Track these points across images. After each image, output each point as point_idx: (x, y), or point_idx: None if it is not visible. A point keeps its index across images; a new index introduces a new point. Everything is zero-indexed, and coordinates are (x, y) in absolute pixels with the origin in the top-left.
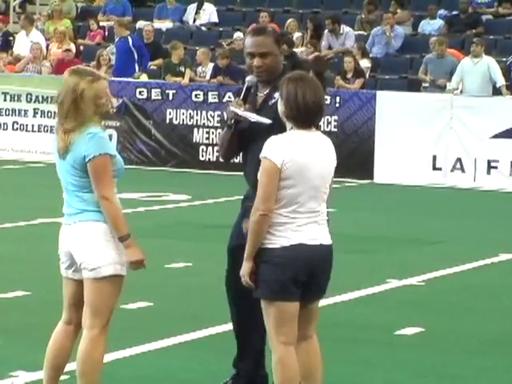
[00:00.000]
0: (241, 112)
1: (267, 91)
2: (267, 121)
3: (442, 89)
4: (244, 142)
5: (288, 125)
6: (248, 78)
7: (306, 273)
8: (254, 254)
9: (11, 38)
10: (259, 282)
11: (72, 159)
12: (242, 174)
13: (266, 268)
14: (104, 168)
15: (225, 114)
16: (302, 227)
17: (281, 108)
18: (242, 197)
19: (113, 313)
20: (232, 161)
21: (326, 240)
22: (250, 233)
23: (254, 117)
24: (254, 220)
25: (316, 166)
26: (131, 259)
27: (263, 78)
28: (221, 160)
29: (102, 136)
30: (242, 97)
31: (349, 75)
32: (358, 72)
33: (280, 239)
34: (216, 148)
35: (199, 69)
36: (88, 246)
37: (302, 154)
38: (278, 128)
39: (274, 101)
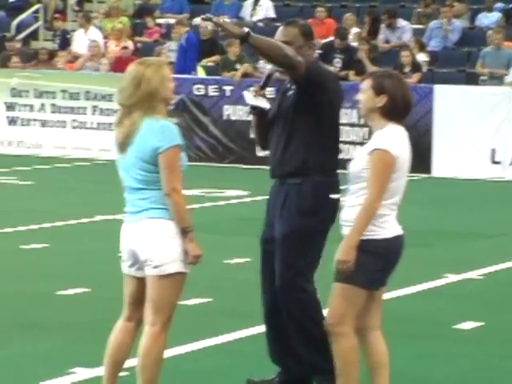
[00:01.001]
0: (246, 94)
1: (290, 81)
2: (266, 106)
3: (500, 81)
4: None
5: (376, 119)
6: (268, 66)
7: (396, 263)
8: (357, 243)
9: (69, 37)
10: (356, 269)
11: (140, 151)
12: None
13: (369, 257)
14: (175, 160)
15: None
16: (395, 219)
17: (372, 100)
18: (335, 196)
19: (175, 309)
20: None
21: (402, 230)
22: (362, 221)
23: (252, 101)
24: (370, 211)
25: (408, 160)
26: (193, 253)
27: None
28: None
29: (174, 127)
30: (261, 83)
31: (406, 69)
32: (416, 66)
33: (385, 231)
34: None
35: (261, 64)
36: (153, 243)
37: (404, 147)
38: (288, 116)
39: (291, 92)
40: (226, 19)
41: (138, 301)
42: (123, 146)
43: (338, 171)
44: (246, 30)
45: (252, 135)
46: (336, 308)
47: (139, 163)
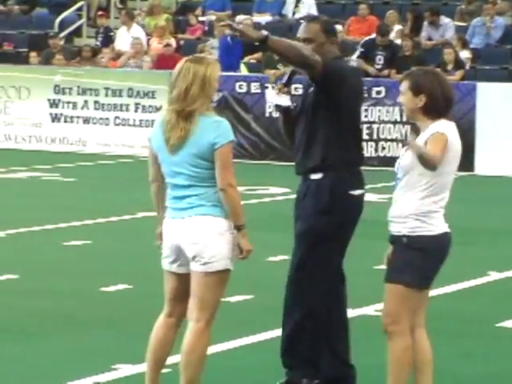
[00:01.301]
0: (268, 92)
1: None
2: (286, 103)
3: None
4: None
5: (420, 119)
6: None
7: (443, 260)
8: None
9: (112, 34)
10: (405, 268)
11: (196, 148)
12: None
13: (418, 255)
14: (230, 155)
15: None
16: (442, 216)
17: (412, 101)
18: (356, 192)
19: (219, 306)
20: None
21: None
22: (428, 152)
23: (273, 99)
24: (432, 159)
25: (458, 157)
26: (246, 247)
27: None
28: None
29: (227, 123)
30: (284, 81)
31: (449, 67)
32: (459, 63)
33: (431, 227)
34: None
35: None
36: (203, 239)
37: (457, 140)
38: (313, 113)
39: (312, 88)
40: (247, 21)
41: (179, 297)
42: (178, 147)
43: (363, 168)
44: (265, 33)
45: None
46: (389, 307)
47: (194, 160)
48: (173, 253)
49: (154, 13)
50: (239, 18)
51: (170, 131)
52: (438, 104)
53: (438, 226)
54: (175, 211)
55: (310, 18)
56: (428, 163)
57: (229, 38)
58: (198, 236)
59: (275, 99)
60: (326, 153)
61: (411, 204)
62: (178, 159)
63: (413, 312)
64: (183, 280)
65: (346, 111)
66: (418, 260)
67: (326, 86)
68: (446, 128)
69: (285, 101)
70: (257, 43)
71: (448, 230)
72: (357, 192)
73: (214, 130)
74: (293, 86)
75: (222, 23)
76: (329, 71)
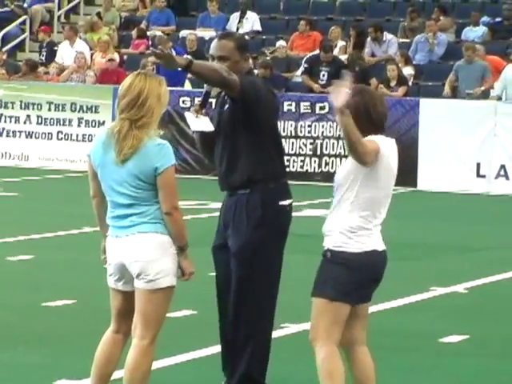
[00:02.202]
0: (188, 117)
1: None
2: (209, 129)
3: (478, 96)
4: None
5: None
6: (205, 85)
7: (372, 277)
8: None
9: (56, 48)
10: (328, 281)
11: (137, 169)
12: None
13: (341, 270)
14: (173, 179)
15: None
16: (374, 233)
17: (345, 121)
18: (283, 202)
19: (163, 323)
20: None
21: (384, 246)
22: (355, 133)
23: (196, 126)
24: (358, 147)
25: (392, 173)
26: (189, 270)
27: None
28: None
29: (170, 146)
30: (200, 102)
31: (392, 83)
32: (402, 79)
33: (357, 244)
34: None
35: None
36: (147, 256)
37: (391, 159)
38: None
39: (227, 105)
40: (171, 49)
41: (125, 314)
42: (125, 160)
43: (306, 183)
44: (189, 58)
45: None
46: (312, 321)
47: (135, 181)
48: (117, 271)
49: (95, 28)
50: (157, 34)
51: (123, 140)
52: (367, 123)
53: (365, 243)
54: (117, 229)
55: (222, 35)
56: (354, 145)
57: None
58: (141, 253)
59: (198, 125)
60: (251, 168)
61: (338, 218)
62: (119, 178)
63: (347, 329)
64: (129, 297)
65: (265, 126)
66: (340, 275)
67: (244, 104)
68: (380, 140)
69: (207, 125)
70: (180, 69)
71: (379, 249)
72: (286, 202)
73: (157, 153)
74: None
75: (149, 51)
76: (246, 90)
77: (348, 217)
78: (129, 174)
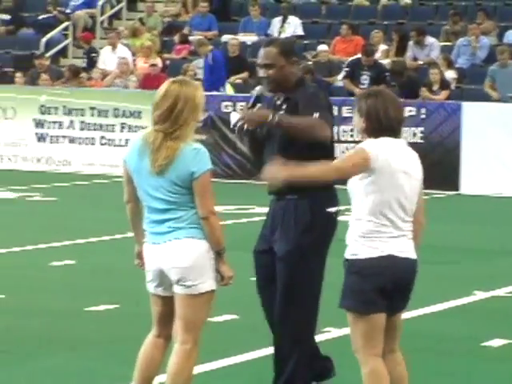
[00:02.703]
0: (233, 116)
1: (282, 100)
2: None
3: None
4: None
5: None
6: (256, 88)
7: (393, 285)
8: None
9: (94, 55)
10: (347, 293)
11: (174, 175)
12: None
13: (354, 279)
14: (210, 183)
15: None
16: (391, 239)
17: (359, 123)
18: (333, 209)
19: (203, 327)
20: None
21: (413, 254)
22: (315, 172)
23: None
24: (326, 174)
25: (406, 174)
26: (228, 274)
27: (270, 88)
28: None
29: (206, 150)
30: (250, 105)
31: (435, 87)
32: (444, 83)
33: (370, 250)
34: None
35: None
36: (186, 262)
37: (395, 159)
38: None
39: (281, 112)
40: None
41: (167, 318)
42: (163, 170)
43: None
44: (273, 116)
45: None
46: (350, 335)
47: (172, 186)
48: (157, 277)
49: (137, 34)
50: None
51: (157, 152)
52: (378, 126)
53: (378, 248)
54: (155, 236)
55: (266, 43)
56: (322, 178)
57: (209, 59)
58: (180, 260)
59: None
60: None
61: (352, 227)
62: (156, 183)
63: (378, 337)
64: (169, 302)
65: None
66: (355, 284)
67: None
68: (375, 144)
69: (234, 115)
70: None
71: (399, 254)
72: (333, 209)
73: (193, 158)
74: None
75: (233, 125)
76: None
77: (357, 224)
78: (165, 180)
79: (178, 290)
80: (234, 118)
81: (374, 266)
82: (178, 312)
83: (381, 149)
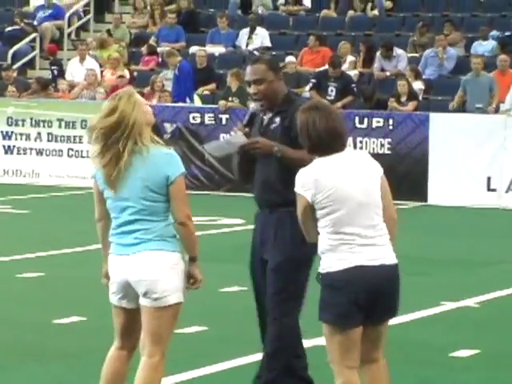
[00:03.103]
0: (235, 139)
1: (270, 115)
2: (240, 142)
3: (485, 110)
4: (255, 163)
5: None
6: (252, 105)
7: (367, 295)
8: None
9: (55, 67)
10: (322, 307)
11: (149, 180)
12: None
13: (326, 292)
14: (184, 188)
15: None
16: (359, 248)
17: (299, 139)
18: None
19: (170, 338)
20: None
21: (389, 260)
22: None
23: (225, 140)
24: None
25: (351, 184)
26: (199, 277)
27: (263, 103)
28: None
29: (177, 155)
30: (245, 122)
31: (403, 98)
32: (412, 94)
33: (338, 262)
34: None
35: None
36: (154, 275)
37: (331, 179)
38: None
39: (274, 125)
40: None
41: (130, 331)
42: (116, 181)
43: None
44: (277, 149)
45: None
46: (326, 346)
47: (145, 193)
48: (121, 289)
49: (105, 45)
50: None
51: (107, 166)
52: (307, 143)
53: (347, 259)
54: (121, 247)
55: (253, 60)
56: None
57: (176, 71)
58: (148, 272)
59: (230, 142)
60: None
61: (319, 242)
62: (128, 193)
63: (353, 350)
64: (133, 314)
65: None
66: (327, 297)
67: None
68: (309, 177)
69: (239, 139)
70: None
71: (364, 264)
72: None
73: (167, 162)
74: None
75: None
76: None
77: (322, 239)
78: (139, 187)
79: (144, 302)
80: (237, 139)
81: (344, 278)
82: (145, 325)
83: (312, 182)
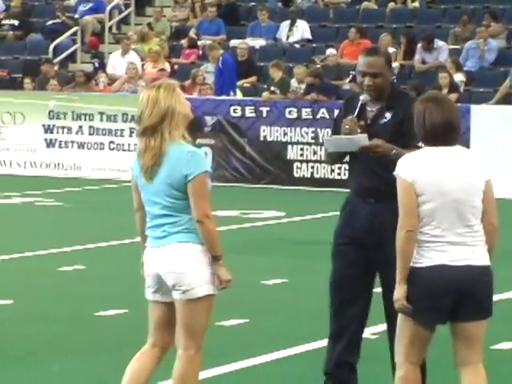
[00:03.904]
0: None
1: (377, 108)
2: (362, 141)
3: None
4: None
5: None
6: (362, 97)
7: (447, 295)
8: (406, 276)
9: (105, 60)
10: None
11: (170, 178)
12: (335, 189)
13: (410, 287)
14: (205, 186)
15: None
16: (446, 247)
17: (415, 128)
18: (337, 213)
19: (206, 331)
20: (326, 177)
21: (477, 261)
22: (398, 252)
23: (347, 138)
24: (401, 238)
25: (452, 180)
26: (225, 278)
27: (373, 96)
28: (315, 176)
29: (201, 153)
30: (356, 114)
31: (444, 90)
32: (453, 86)
33: (422, 259)
34: (310, 164)
35: (294, 84)
36: (182, 267)
37: (433, 168)
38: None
39: (385, 120)
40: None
41: (166, 325)
42: (152, 172)
43: None
44: (395, 151)
45: (290, 156)
46: (396, 338)
47: (169, 190)
48: (155, 282)
49: (145, 39)
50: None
51: (143, 154)
52: (420, 133)
53: (432, 258)
54: (153, 239)
55: (371, 52)
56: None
57: (220, 63)
58: (175, 264)
59: (343, 146)
60: None
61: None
62: (155, 188)
63: (420, 347)
64: (168, 308)
65: None
66: (409, 292)
67: None
68: (413, 162)
69: (362, 137)
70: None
71: (448, 263)
72: None
73: (186, 161)
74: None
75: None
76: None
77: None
78: (163, 184)
79: (175, 295)
80: (359, 139)
81: (425, 276)
82: (178, 318)
83: (415, 167)
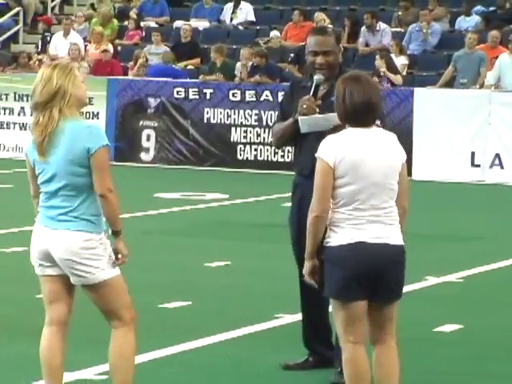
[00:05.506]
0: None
1: (327, 87)
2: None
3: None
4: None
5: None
6: (316, 77)
7: (369, 272)
8: (314, 253)
9: (48, 39)
10: (325, 281)
11: (71, 154)
12: (279, 172)
13: (327, 266)
14: (107, 159)
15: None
16: (365, 225)
17: (335, 107)
18: (280, 195)
19: (131, 306)
20: (270, 160)
21: (394, 240)
22: (308, 233)
23: (322, 117)
24: (310, 222)
25: (373, 162)
26: (125, 252)
27: (325, 75)
28: (259, 159)
29: (100, 127)
30: (312, 94)
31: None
32: (392, 70)
33: (340, 237)
34: (254, 147)
35: (238, 67)
36: (71, 256)
37: (355, 150)
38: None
39: (333, 98)
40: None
41: (58, 298)
42: (43, 148)
43: None
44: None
45: (233, 139)
46: (335, 322)
47: (70, 167)
48: (44, 258)
49: (109, 21)
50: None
51: (35, 128)
52: (341, 112)
53: (351, 235)
54: (46, 219)
55: (321, 31)
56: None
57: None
58: (66, 253)
59: (313, 126)
60: None
61: (329, 215)
62: (53, 168)
63: (357, 326)
64: (56, 281)
65: None
66: (328, 271)
67: None
68: (335, 144)
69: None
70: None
71: (367, 240)
72: None
73: (88, 134)
74: None
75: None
76: None
77: (331, 212)
78: (64, 160)
79: (74, 280)
80: (333, 118)
81: (345, 253)
82: (94, 303)
83: (337, 149)
